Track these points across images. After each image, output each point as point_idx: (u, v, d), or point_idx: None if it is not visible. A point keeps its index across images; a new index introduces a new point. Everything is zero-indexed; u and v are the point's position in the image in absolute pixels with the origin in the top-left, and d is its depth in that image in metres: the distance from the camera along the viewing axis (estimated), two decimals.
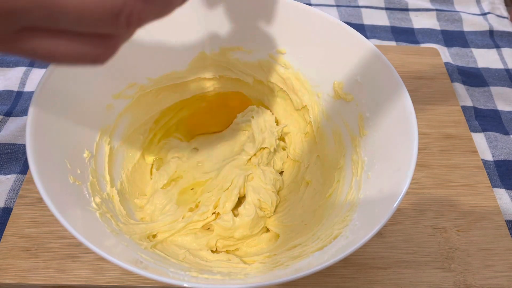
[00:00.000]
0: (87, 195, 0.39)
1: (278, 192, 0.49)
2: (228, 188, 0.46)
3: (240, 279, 0.36)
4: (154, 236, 0.43)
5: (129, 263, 0.32)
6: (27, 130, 0.35)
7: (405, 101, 0.40)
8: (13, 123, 0.56)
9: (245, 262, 0.42)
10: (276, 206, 0.48)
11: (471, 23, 0.76)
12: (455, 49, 0.72)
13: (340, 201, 0.43)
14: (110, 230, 0.38)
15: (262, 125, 0.50)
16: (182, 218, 0.45)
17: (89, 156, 0.42)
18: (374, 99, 0.43)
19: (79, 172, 0.39)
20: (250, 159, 0.49)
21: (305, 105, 0.50)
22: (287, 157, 0.53)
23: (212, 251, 0.44)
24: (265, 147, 0.49)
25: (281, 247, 0.43)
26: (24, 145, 0.54)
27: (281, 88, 0.52)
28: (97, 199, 0.39)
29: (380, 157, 0.41)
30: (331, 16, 0.45)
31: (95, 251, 0.31)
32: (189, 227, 0.45)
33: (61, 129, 0.39)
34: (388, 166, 0.40)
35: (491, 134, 0.60)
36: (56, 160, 0.37)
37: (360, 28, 0.74)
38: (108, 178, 0.43)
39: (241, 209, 0.45)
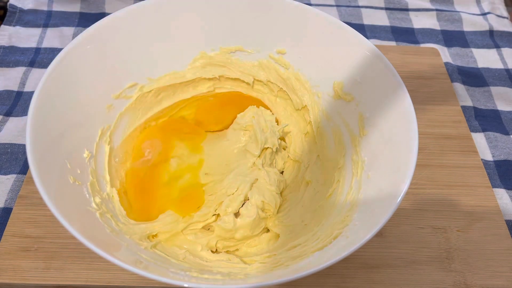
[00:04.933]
0: (87, 195, 0.39)
1: (281, 193, 0.49)
2: (233, 194, 0.46)
3: (240, 279, 0.36)
4: (154, 236, 0.43)
5: (129, 263, 0.32)
6: (27, 130, 0.35)
7: (405, 101, 0.40)
8: (13, 123, 0.56)
9: (245, 262, 0.42)
10: None
11: (471, 23, 0.76)
12: (455, 49, 0.72)
13: (340, 201, 0.43)
14: (110, 230, 0.38)
15: (263, 125, 0.50)
16: (183, 218, 0.45)
17: (89, 156, 0.42)
18: (374, 99, 0.43)
19: (79, 172, 0.39)
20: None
21: (305, 105, 0.50)
22: (288, 157, 0.53)
23: (212, 251, 0.44)
24: (268, 147, 0.49)
25: (281, 247, 0.43)
26: (24, 145, 0.54)
27: (281, 88, 0.52)
28: (97, 199, 0.39)
29: (380, 157, 0.41)
30: (331, 16, 0.45)
31: (95, 251, 0.31)
32: (190, 228, 0.45)
33: (61, 129, 0.39)
34: (388, 166, 0.40)
35: (491, 134, 0.60)
36: (56, 160, 0.37)
37: (360, 28, 0.74)
38: (108, 178, 0.43)
39: (242, 209, 0.45)
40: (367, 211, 0.38)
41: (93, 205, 0.39)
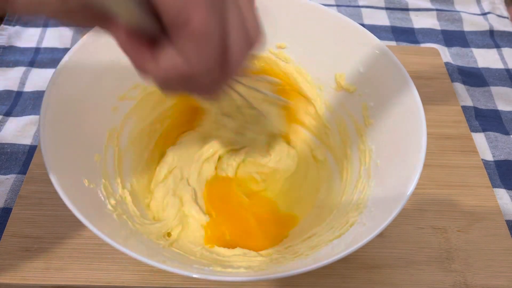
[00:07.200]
0: (102, 198, 0.39)
1: None
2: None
3: (263, 270, 0.36)
4: (169, 234, 0.43)
5: (158, 261, 0.32)
6: (42, 137, 0.35)
7: (408, 88, 0.41)
8: (13, 123, 0.56)
9: (262, 255, 0.41)
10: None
11: (471, 23, 0.76)
12: (455, 49, 0.72)
13: (350, 190, 0.43)
14: (129, 231, 0.38)
15: None
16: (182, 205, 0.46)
17: (100, 159, 0.41)
18: (377, 88, 0.44)
19: (92, 175, 0.39)
20: None
21: (308, 98, 0.51)
22: None
23: (227, 247, 0.44)
24: None
25: (297, 237, 0.43)
26: (23, 145, 0.54)
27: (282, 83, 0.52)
28: (112, 201, 0.39)
29: (388, 144, 0.42)
30: (329, 8, 0.46)
31: (124, 251, 0.31)
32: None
33: (72, 133, 0.39)
34: (396, 153, 0.40)
35: (491, 134, 0.60)
36: (70, 165, 0.38)
37: None
38: (119, 180, 0.43)
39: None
40: (379, 201, 0.39)
41: (109, 207, 0.39)
